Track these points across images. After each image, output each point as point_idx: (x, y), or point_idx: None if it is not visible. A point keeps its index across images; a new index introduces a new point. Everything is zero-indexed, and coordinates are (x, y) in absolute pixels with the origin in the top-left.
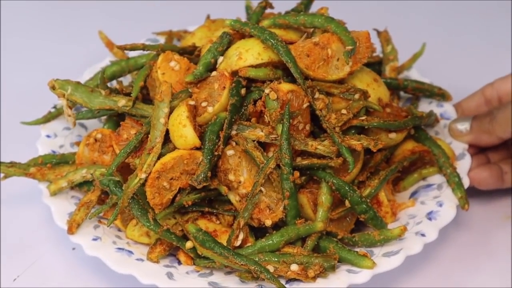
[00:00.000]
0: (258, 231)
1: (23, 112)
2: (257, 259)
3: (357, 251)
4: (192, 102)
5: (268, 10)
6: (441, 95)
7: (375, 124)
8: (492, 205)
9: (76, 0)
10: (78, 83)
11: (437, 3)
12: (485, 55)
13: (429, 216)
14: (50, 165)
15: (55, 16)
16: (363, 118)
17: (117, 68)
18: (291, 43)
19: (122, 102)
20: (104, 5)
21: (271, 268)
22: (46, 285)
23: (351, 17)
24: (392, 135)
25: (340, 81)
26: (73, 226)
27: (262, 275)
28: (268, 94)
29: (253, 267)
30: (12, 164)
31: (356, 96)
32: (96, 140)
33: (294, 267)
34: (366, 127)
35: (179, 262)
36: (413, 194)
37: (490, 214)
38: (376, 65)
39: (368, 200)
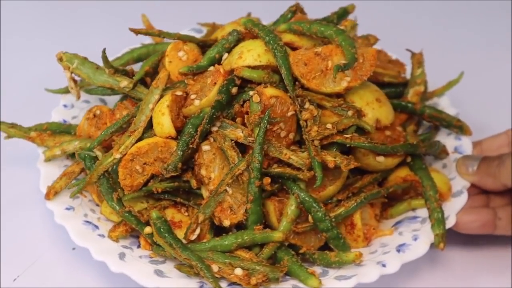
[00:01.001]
0: (224, 231)
1: (24, 112)
2: (205, 256)
3: (307, 268)
4: (179, 93)
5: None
6: (459, 128)
7: (357, 143)
8: None
9: (76, 0)
10: (85, 58)
11: None
12: None
13: (399, 248)
14: (50, 132)
15: (55, 16)
16: (348, 136)
17: (144, 51)
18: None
19: (123, 83)
20: (105, 5)
21: (215, 268)
22: (46, 285)
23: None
24: (380, 159)
25: (339, 96)
26: (51, 193)
27: (202, 272)
28: (251, 96)
29: (195, 263)
30: (13, 125)
31: (349, 113)
32: (94, 115)
33: (238, 271)
34: (349, 145)
35: (139, 246)
36: (397, 223)
37: None
38: (400, 87)
39: (333, 219)
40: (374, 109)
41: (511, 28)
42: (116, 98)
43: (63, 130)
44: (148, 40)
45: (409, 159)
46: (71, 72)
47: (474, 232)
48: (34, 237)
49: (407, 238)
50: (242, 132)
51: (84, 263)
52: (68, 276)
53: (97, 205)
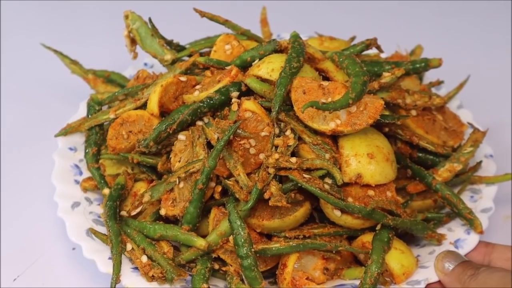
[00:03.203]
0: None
1: (23, 113)
2: (130, 233)
3: (203, 283)
4: (183, 79)
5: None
6: (468, 221)
7: (307, 186)
8: None
9: (76, 0)
10: (146, 23)
11: None
12: None
13: None
14: (103, 79)
15: (55, 16)
16: (307, 177)
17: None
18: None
19: (167, 56)
20: (105, 5)
21: (129, 247)
22: (46, 285)
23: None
24: (337, 213)
25: (334, 137)
26: (65, 128)
27: (110, 244)
28: (232, 104)
29: (109, 233)
30: (75, 62)
31: (327, 155)
32: (137, 77)
33: (144, 258)
34: (300, 185)
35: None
36: (339, 286)
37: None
38: (442, 157)
39: (252, 249)
40: (360, 163)
41: None
42: None
43: (120, 83)
44: None
45: (378, 227)
46: (130, 31)
47: None
48: (34, 237)
49: None
50: (217, 135)
51: (84, 263)
52: (68, 276)
53: None
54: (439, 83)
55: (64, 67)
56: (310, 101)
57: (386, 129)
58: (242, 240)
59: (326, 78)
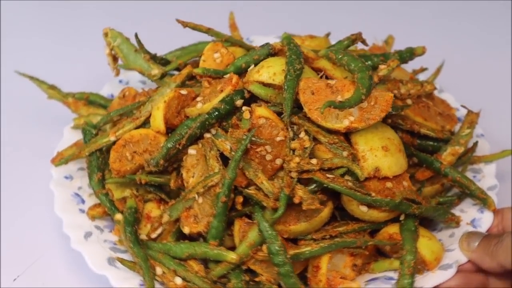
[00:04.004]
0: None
1: (24, 113)
2: (155, 256)
3: None
4: (184, 92)
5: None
6: (482, 200)
7: (334, 186)
8: None
9: (76, 0)
10: (128, 39)
11: None
12: None
13: None
14: (84, 101)
15: (55, 16)
16: (331, 176)
17: (201, 47)
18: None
19: (154, 71)
20: (105, 5)
21: (159, 271)
22: (46, 285)
23: None
24: (363, 208)
25: (346, 134)
26: (58, 158)
27: (141, 271)
28: (243, 112)
29: (138, 260)
30: (53, 87)
31: (344, 153)
32: (124, 96)
33: (178, 280)
34: (326, 186)
35: (112, 231)
36: (372, 280)
37: None
38: (441, 142)
39: (288, 255)
40: (377, 156)
41: None
42: None
43: (102, 103)
44: None
45: (402, 217)
46: (112, 49)
47: None
48: (34, 237)
49: None
50: (230, 146)
51: (84, 263)
52: (68, 276)
53: None
54: (422, 70)
55: (41, 93)
56: (328, 101)
57: (389, 121)
58: (277, 248)
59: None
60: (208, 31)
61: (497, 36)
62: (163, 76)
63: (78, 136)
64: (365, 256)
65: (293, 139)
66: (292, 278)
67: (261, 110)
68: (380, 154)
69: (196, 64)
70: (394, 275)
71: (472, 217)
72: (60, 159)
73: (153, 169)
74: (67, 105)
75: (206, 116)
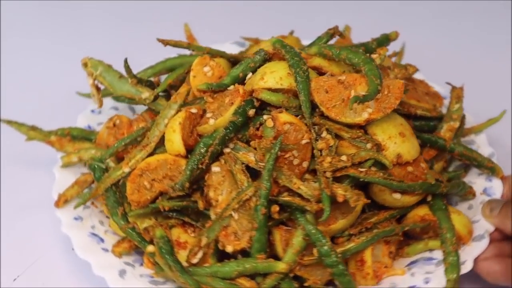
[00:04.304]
0: (228, 256)
1: (24, 113)
2: (204, 281)
3: None
4: (194, 110)
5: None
6: (490, 169)
7: (371, 178)
8: None
9: (76, 0)
10: (110, 66)
11: None
12: None
13: None
14: (69, 137)
15: (55, 16)
16: (363, 170)
17: (177, 62)
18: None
19: (145, 95)
20: (106, 5)
21: None
22: (46, 285)
23: None
24: (397, 196)
25: (362, 127)
26: (61, 200)
27: None
28: (265, 121)
29: None
30: (33, 128)
31: (368, 145)
32: (114, 125)
33: None
34: (362, 180)
35: (142, 264)
36: (411, 263)
37: None
38: (434, 120)
39: (339, 255)
40: (396, 143)
41: None
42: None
43: (85, 136)
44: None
45: (429, 198)
46: (94, 79)
47: (500, 283)
48: (34, 237)
49: (419, 280)
50: (254, 157)
51: (84, 263)
52: (68, 276)
53: (107, 216)
54: (395, 54)
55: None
56: (353, 96)
57: None
58: (327, 249)
59: (321, 74)
60: (189, 46)
61: (497, 36)
62: (155, 98)
63: (70, 174)
64: (398, 242)
65: (316, 140)
66: (347, 276)
67: (285, 116)
68: (398, 141)
69: (182, 81)
70: (431, 255)
71: (483, 186)
72: (65, 201)
73: (180, 193)
74: (51, 144)
75: (225, 130)
